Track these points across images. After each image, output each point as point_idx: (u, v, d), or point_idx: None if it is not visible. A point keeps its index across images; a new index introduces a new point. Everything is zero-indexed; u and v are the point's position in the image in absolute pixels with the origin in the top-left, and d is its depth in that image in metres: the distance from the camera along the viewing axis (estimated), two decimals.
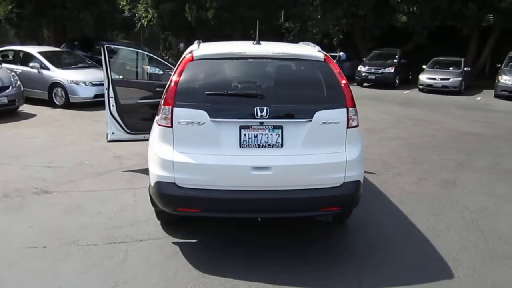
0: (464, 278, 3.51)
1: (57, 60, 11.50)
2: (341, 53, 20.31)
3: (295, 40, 26.75)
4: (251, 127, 3.45)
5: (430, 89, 16.92)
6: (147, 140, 6.24)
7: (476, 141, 8.67)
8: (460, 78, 16.82)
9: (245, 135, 3.45)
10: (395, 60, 19.12)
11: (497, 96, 15.70)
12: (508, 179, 6.13)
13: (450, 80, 16.75)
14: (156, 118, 3.70)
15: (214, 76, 3.72)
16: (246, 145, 3.46)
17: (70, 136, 8.10)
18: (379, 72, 18.42)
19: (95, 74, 11.30)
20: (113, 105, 5.93)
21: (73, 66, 11.71)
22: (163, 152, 3.53)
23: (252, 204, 3.52)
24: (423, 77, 17.29)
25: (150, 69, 9.29)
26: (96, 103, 10.91)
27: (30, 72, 11.03)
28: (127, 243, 3.99)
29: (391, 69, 18.36)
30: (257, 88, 3.64)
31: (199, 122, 3.42)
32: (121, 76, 6.27)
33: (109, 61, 5.79)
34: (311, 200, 3.53)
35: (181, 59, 3.94)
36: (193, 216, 4.13)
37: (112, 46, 6.08)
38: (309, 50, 4.00)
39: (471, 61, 19.59)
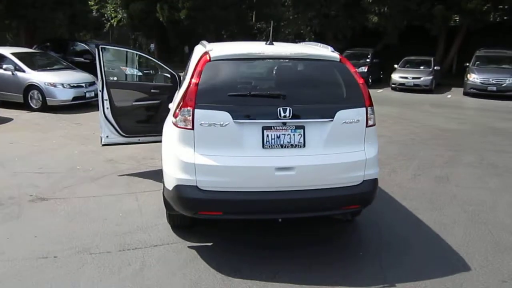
0: (480, 269, 3.62)
1: (31, 62, 11.06)
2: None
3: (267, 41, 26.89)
4: (274, 128, 3.43)
5: (402, 88, 17.38)
6: (142, 143, 6.21)
7: (457, 137, 8.97)
8: (431, 77, 17.35)
9: (268, 135, 3.43)
10: (368, 60, 19.51)
11: (466, 93, 16.30)
12: (496, 173, 6.37)
13: (422, 78, 17.25)
14: (172, 120, 3.61)
15: (233, 77, 3.68)
16: (269, 146, 3.44)
17: (54, 140, 7.81)
18: None
19: (73, 76, 10.98)
20: (107, 108, 5.77)
21: (49, 68, 11.29)
22: (183, 154, 3.45)
23: (276, 205, 3.50)
24: (396, 76, 17.74)
25: (128, 70, 9.13)
26: (74, 106, 10.62)
27: (3, 74, 10.56)
28: (141, 249, 3.89)
29: (364, 69, 18.67)
30: (278, 89, 3.62)
31: (221, 123, 3.37)
32: (115, 78, 6.11)
33: (104, 62, 5.63)
34: (333, 199, 3.56)
35: (194, 60, 3.88)
36: (211, 220, 4.08)
37: (107, 47, 5.90)
38: (323, 50, 4.02)
39: (439, 60, 20.26)
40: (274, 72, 3.76)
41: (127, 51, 6.89)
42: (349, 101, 3.59)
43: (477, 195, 5.36)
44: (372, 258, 3.83)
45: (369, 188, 3.65)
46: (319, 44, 4.44)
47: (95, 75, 10.99)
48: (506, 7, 18.87)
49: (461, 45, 20.66)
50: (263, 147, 3.44)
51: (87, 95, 10.79)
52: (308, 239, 4.17)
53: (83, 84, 10.84)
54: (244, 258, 3.75)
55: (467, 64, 17.21)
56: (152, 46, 25.18)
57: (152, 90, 6.05)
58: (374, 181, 3.69)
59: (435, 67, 17.96)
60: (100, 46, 5.59)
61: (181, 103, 3.48)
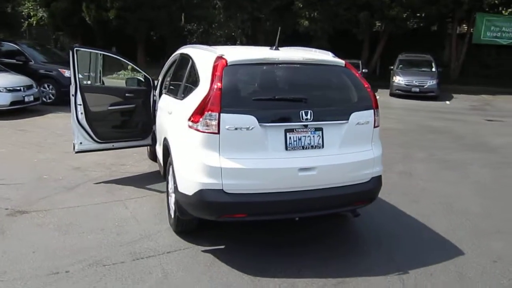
0: (472, 252, 4.04)
1: None
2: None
3: (199, 42, 26.76)
4: (296, 130, 3.57)
5: None
6: (116, 149, 6.00)
7: (400, 135, 9.70)
8: None
9: (290, 138, 3.55)
10: None
11: (392, 94, 17.57)
12: (448, 166, 7.05)
13: None
14: (189, 124, 3.57)
15: (252, 82, 3.74)
16: (292, 148, 3.56)
17: (3, 149, 7.20)
18: None
19: (8, 79, 10.16)
20: (81, 113, 5.49)
21: None
22: (208, 159, 3.45)
23: (298, 205, 3.63)
24: None
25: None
26: (12, 112, 9.82)
27: None
28: (155, 257, 3.80)
29: None
30: (296, 93, 3.74)
31: (248, 127, 3.43)
32: (89, 82, 5.83)
33: (77, 65, 5.35)
34: (347, 196, 3.78)
35: (204, 64, 3.86)
36: (223, 222, 4.09)
37: (82, 49, 5.60)
38: (326, 56, 4.21)
39: (365, 63, 21.61)
40: (289, 77, 3.88)
41: (101, 54, 6.54)
42: (360, 104, 3.83)
43: (442, 188, 5.92)
44: (381, 250, 4.10)
45: (376, 184, 3.92)
46: (313, 49, 4.61)
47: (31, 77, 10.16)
48: (422, 14, 20.64)
49: (384, 49, 22.20)
50: (286, 149, 3.56)
51: (26, 99, 10.04)
52: (314, 236, 4.33)
53: (21, 88, 10.05)
54: (262, 257, 3.82)
55: (392, 67, 18.57)
56: (113, 49, 23.96)
57: (126, 94, 5.87)
58: (379, 178, 3.97)
59: (363, 70, 19.11)
60: (74, 48, 5.31)
61: (204, 107, 3.47)
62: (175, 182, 3.86)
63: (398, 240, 4.30)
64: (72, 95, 5.43)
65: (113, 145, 5.91)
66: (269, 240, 4.19)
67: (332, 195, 3.69)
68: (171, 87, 4.99)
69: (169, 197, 4.27)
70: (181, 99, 4.13)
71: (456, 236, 4.39)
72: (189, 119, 3.63)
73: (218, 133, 3.42)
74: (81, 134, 5.59)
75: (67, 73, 11.82)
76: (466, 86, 19.30)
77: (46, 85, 11.65)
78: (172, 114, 4.24)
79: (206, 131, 3.45)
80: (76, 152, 5.68)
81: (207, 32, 24.59)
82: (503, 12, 20.78)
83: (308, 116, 3.54)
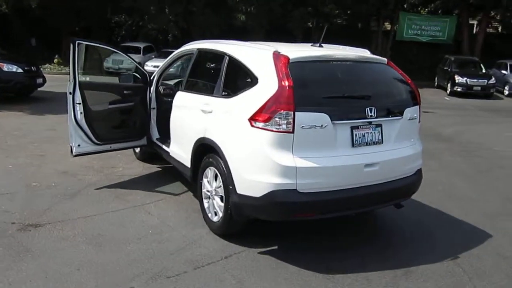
0: (494, 232, 4.39)
1: None
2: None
3: (128, 36, 25.51)
4: (360, 127, 3.60)
5: None
6: (113, 150, 5.58)
7: None
8: None
9: (356, 135, 3.58)
10: None
11: None
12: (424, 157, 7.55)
13: None
14: (260, 124, 3.42)
15: (317, 79, 3.66)
16: (358, 144, 3.59)
17: None
18: None
19: None
20: (81, 113, 5.01)
21: None
22: (281, 158, 3.35)
23: (361, 200, 3.68)
24: None
25: None
26: None
27: None
28: (216, 264, 3.61)
29: None
30: (358, 90, 3.77)
31: (321, 125, 3.38)
32: (88, 78, 5.31)
33: (78, 60, 4.87)
34: (400, 189, 3.91)
35: (257, 60, 3.72)
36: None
37: (84, 43, 5.07)
38: (367, 52, 4.27)
39: None
40: (347, 74, 3.88)
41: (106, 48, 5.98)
42: (409, 100, 3.97)
43: (434, 177, 6.31)
44: (422, 239, 4.26)
45: (419, 177, 4.11)
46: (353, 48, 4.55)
47: None
48: (350, 11, 21.73)
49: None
50: (352, 146, 3.58)
51: None
52: (349, 233, 4.40)
53: None
54: (318, 256, 3.79)
55: None
56: (33, 40, 21.64)
57: (125, 92, 5.47)
58: (421, 170, 4.16)
59: None
60: (76, 41, 4.81)
61: (274, 106, 3.35)
62: (230, 184, 3.69)
63: (429, 228, 4.53)
64: (70, 93, 4.92)
65: (110, 147, 5.47)
66: (313, 239, 4.18)
67: (389, 189, 3.79)
68: (195, 84, 4.74)
69: (212, 200, 4.08)
70: (227, 97, 3.95)
71: (472, 219, 4.73)
72: (252, 118, 3.48)
73: (293, 132, 3.34)
74: (79, 136, 5.10)
75: (5, 67, 10.72)
76: None
77: None
78: (213, 113, 4.03)
79: (279, 130, 3.34)
80: (75, 156, 5.18)
81: (138, 25, 23.52)
82: (422, 11, 22.60)
83: (372, 113, 3.59)
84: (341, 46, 4.53)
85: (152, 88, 5.62)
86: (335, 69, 3.84)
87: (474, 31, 24.39)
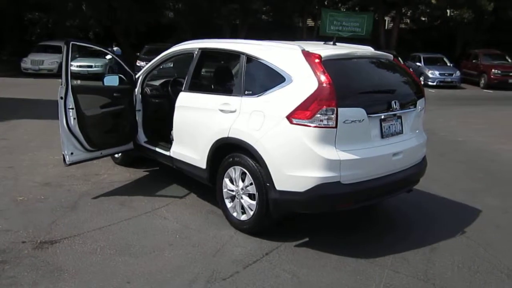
0: (482, 206, 4.95)
1: None
2: (115, 48, 19.49)
3: (44, 34, 23.61)
4: (387, 119, 3.86)
5: None
6: (103, 156, 5.34)
7: None
8: None
9: (384, 126, 3.83)
10: None
11: None
12: None
13: None
14: (301, 121, 3.51)
15: (347, 75, 3.82)
16: (386, 136, 3.85)
17: None
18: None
19: None
20: (74, 118, 4.71)
21: None
22: (326, 152, 3.48)
23: (390, 187, 3.94)
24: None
25: None
26: None
27: None
28: (261, 261, 3.64)
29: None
30: (383, 84, 4.01)
31: (360, 120, 3.58)
32: (78, 81, 4.96)
33: (70, 62, 4.56)
34: (415, 175, 4.26)
35: (293, 59, 3.79)
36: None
37: (78, 43, 4.71)
38: (372, 50, 4.52)
39: None
40: (369, 70, 4.09)
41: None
42: (418, 92, 4.31)
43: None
44: (440, 223, 4.60)
45: (426, 163, 4.48)
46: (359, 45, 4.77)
47: None
48: (276, 8, 22.32)
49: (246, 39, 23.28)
50: (382, 137, 3.83)
51: None
52: (361, 222, 4.64)
53: None
54: (350, 245, 3.97)
55: None
56: None
57: (114, 94, 5.21)
58: (425, 157, 4.55)
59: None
60: (70, 42, 4.49)
61: (315, 103, 3.46)
62: (267, 182, 3.75)
63: (429, 210, 4.88)
64: (61, 98, 4.60)
65: (101, 153, 5.19)
66: (334, 233, 4.37)
67: (407, 175, 4.11)
68: (202, 84, 4.68)
69: (239, 200, 4.09)
70: (252, 96, 3.96)
71: (461, 198, 5.27)
72: (291, 116, 3.56)
73: (336, 127, 3.49)
74: (72, 143, 4.78)
75: None
76: None
77: None
78: (237, 112, 4.03)
79: (322, 126, 3.47)
80: (68, 165, 4.84)
81: (56, 22, 21.96)
82: (341, 8, 23.91)
83: (397, 106, 3.88)
84: (348, 44, 4.75)
85: (137, 90, 5.42)
86: (358, 65, 4.06)
87: (389, 27, 26.37)
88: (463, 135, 9.23)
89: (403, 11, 24.44)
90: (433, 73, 19.38)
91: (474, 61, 21.05)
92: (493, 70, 19.42)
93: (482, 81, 19.92)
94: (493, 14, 22.06)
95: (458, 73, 19.71)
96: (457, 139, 8.85)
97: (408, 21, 26.13)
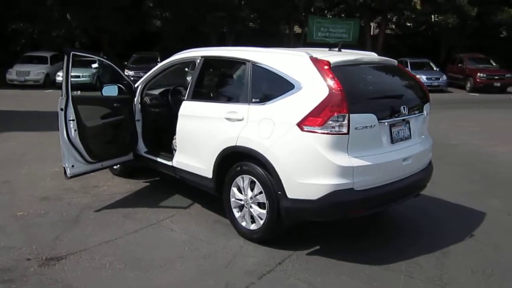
0: (485, 209, 4.97)
1: None
2: (104, 57, 19.22)
3: (29, 44, 23.26)
4: (396, 125, 3.86)
5: None
6: (104, 168, 5.24)
7: None
8: None
9: (393, 132, 3.82)
10: (159, 61, 19.73)
11: None
12: None
13: None
14: (312, 128, 3.48)
15: (356, 82, 3.81)
16: (395, 141, 3.84)
17: None
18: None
19: None
20: (75, 130, 4.61)
21: None
22: (338, 160, 3.46)
23: (401, 192, 3.92)
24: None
25: None
26: None
27: None
28: (275, 271, 3.59)
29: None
30: (391, 90, 4.01)
31: (371, 125, 3.57)
32: (79, 92, 4.86)
33: (70, 73, 4.47)
34: (423, 179, 4.25)
35: (301, 66, 3.76)
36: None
37: (79, 53, 4.63)
38: (376, 55, 4.54)
39: None
40: (377, 76, 4.10)
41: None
42: (424, 97, 4.32)
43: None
44: (449, 227, 4.58)
45: (432, 167, 4.49)
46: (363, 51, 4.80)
47: None
48: (264, 16, 22.37)
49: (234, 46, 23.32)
50: (391, 142, 3.82)
51: None
52: (365, 228, 4.65)
53: None
54: (361, 252, 3.94)
55: None
56: None
57: (115, 104, 5.13)
58: (431, 162, 4.56)
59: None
60: (71, 52, 4.41)
61: (327, 110, 3.43)
62: (278, 190, 3.70)
63: (435, 216, 4.87)
64: (61, 109, 4.50)
65: (101, 165, 5.10)
66: (341, 240, 4.35)
67: (416, 180, 4.10)
68: (205, 92, 4.64)
69: (249, 209, 4.04)
70: (260, 104, 3.92)
71: (463, 201, 5.30)
72: (302, 123, 3.53)
73: (348, 133, 3.47)
74: (72, 156, 4.68)
75: None
76: None
77: None
78: (245, 120, 3.98)
79: (334, 132, 3.45)
80: (70, 177, 4.73)
81: (42, 32, 21.68)
82: (328, 15, 24.11)
83: (406, 111, 3.88)
84: (353, 51, 4.76)
85: (136, 99, 5.35)
86: (365, 71, 4.06)
87: (375, 33, 26.68)
88: (456, 138, 9.34)
89: (389, 17, 24.79)
90: (420, 78, 19.58)
91: (460, 65, 21.39)
92: (478, 74, 19.76)
93: (468, 85, 20.25)
94: (476, 19, 22.48)
95: (444, 77, 20.00)
96: (451, 143, 8.93)
97: (394, 26, 26.51)
